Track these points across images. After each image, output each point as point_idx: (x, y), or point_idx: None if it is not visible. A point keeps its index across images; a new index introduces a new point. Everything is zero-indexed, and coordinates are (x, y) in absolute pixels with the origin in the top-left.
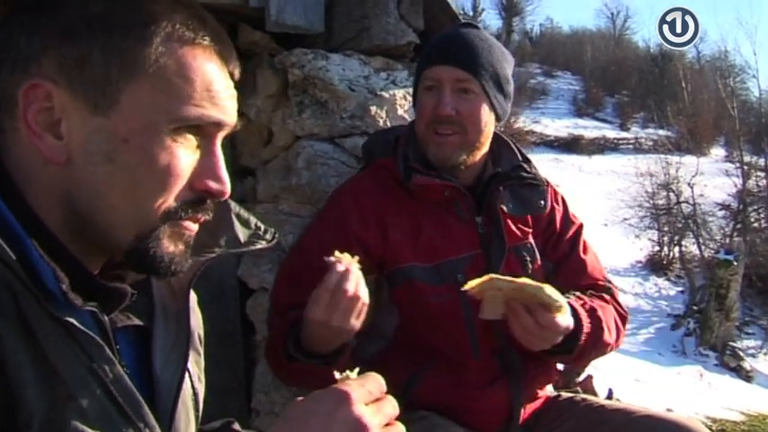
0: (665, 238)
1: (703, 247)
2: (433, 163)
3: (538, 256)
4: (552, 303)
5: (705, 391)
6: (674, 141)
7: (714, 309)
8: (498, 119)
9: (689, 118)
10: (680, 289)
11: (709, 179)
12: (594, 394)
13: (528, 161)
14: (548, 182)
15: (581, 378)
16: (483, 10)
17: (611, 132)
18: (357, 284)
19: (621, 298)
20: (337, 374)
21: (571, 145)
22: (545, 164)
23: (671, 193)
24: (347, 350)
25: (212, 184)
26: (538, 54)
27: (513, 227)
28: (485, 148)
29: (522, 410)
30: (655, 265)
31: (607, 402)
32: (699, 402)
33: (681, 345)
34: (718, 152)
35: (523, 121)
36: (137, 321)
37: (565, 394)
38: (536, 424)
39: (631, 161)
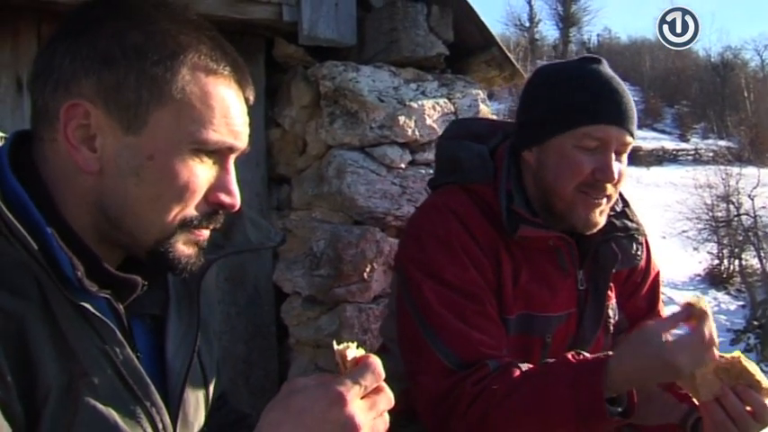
0: (725, 251)
1: (765, 261)
2: (577, 227)
3: (618, 316)
4: (765, 386)
5: None
6: (735, 152)
7: None
8: None
9: (751, 128)
10: (740, 303)
11: None
12: None
13: (628, 206)
14: (645, 233)
15: None
16: (540, 21)
17: (670, 143)
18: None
19: None
20: (336, 345)
21: (629, 156)
22: None
23: (731, 205)
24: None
25: (225, 199)
26: None
27: (613, 291)
28: None
29: None
30: (714, 279)
31: None
32: None
33: None
34: None
35: None
36: (152, 311)
37: None
38: None
39: (690, 172)
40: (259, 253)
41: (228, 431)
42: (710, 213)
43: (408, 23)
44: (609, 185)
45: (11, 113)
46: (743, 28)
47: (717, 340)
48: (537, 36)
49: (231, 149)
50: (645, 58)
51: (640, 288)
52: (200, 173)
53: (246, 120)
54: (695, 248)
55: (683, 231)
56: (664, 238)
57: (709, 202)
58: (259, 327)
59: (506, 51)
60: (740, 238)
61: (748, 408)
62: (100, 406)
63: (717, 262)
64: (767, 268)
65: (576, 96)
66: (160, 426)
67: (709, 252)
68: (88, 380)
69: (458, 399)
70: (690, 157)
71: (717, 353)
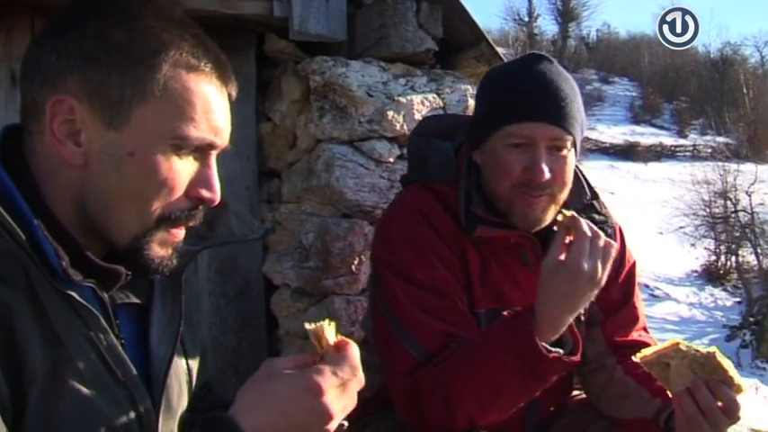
0: (722, 248)
1: (761, 257)
2: (518, 225)
3: (590, 309)
4: (737, 383)
5: (760, 405)
6: (733, 148)
7: None
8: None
9: (749, 125)
10: (737, 299)
11: None
12: None
13: (597, 197)
14: (616, 224)
15: None
16: (538, 15)
17: (669, 139)
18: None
19: (676, 308)
20: (308, 325)
21: (627, 152)
22: (600, 171)
23: (728, 202)
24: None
25: (205, 194)
26: (594, 60)
27: None
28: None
29: (539, 410)
30: (710, 275)
31: None
32: (754, 416)
33: (736, 357)
34: None
35: None
36: (136, 300)
37: (575, 392)
38: (551, 418)
39: (688, 168)
40: (249, 245)
41: None
42: (708, 209)
43: (398, 19)
44: (548, 182)
45: (4, 107)
46: (742, 24)
47: (600, 233)
48: (536, 31)
49: (212, 146)
50: (644, 54)
51: (614, 279)
52: (181, 169)
53: (228, 117)
54: (692, 245)
55: (681, 227)
56: (661, 233)
57: (706, 198)
58: (249, 318)
59: (495, 47)
60: (737, 235)
61: (720, 403)
62: (84, 389)
63: (714, 258)
64: (764, 265)
65: (504, 96)
66: (142, 409)
67: (706, 248)
68: (73, 365)
69: (424, 385)
70: (688, 154)
71: (689, 345)
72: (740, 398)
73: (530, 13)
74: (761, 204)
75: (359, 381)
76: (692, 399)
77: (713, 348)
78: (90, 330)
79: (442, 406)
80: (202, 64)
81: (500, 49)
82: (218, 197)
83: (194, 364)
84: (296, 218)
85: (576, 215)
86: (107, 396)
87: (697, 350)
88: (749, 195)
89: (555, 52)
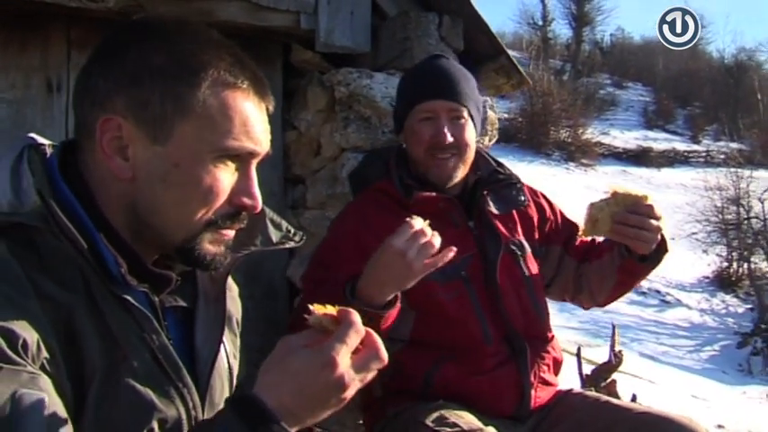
0: (734, 254)
1: None
2: (433, 182)
3: (528, 250)
4: (642, 195)
5: None
6: (747, 155)
7: None
8: (477, 133)
9: (763, 131)
10: (748, 306)
11: None
12: (617, 398)
13: (501, 165)
14: (521, 180)
15: (606, 382)
16: (553, 20)
17: (682, 145)
18: (433, 235)
19: (687, 314)
20: (313, 307)
21: (640, 157)
22: (613, 176)
23: (741, 208)
24: (397, 303)
25: (247, 201)
26: (608, 64)
27: (502, 226)
28: (471, 162)
29: (533, 393)
30: (722, 282)
31: (613, 400)
32: (762, 423)
33: (747, 364)
34: None
35: (591, 133)
36: (183, 303)
37: (576, 390)
38: (548, 414)
39: (701, 174)
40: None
41: None
42: (720, 216)
43: (421, 32)
44: (451, 144)
45: (41, 114)
46: (757, 30)
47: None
48: (550, 35)
49: (252, 154)
50: (658, 59)
51: (557, 220)
52: (223, 178)
53: (267, 127)
54: (704, 251)
55: (693, 233)
56: (673, 239)
57: (719, 204)
58: (273, 320)
59: (514, 60)
60: (749, 242)
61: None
62: (138, 386)
63: (726, 265)
64: None
65: (412, 83)
66: (191, 404)
67: (718, 255)
68: (128, 363)
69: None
70: (701, 159)
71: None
72: (750, 405)
73: (544, 18)
74: None
75: (380, 359)
76: (626, 226)
77: (612, 187)
78: (144, 332)
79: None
80: (239, 81)
81: (514, 53)
82: (259, 204)
83: (235, 363)
84: (320, 223)
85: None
86: (159, 392)
87: (605, 199)
88: (762, 202)
89: (569, 56)
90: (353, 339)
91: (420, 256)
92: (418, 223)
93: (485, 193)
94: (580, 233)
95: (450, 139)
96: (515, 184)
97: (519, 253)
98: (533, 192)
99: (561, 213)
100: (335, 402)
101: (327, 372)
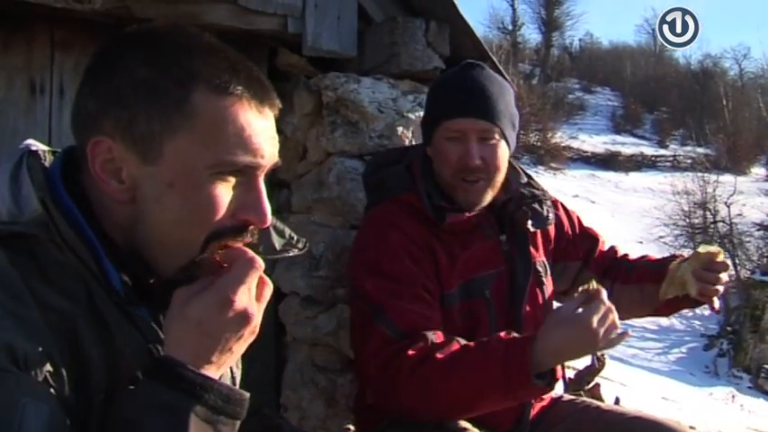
0: None
1: (739, 268)
2: (462, 207)
3: (549, 270)
4: (715, 251)
5: (737, 412)
6: (713, 159)
7: (749, 330)
8: (510, 150)
9: (728, 136)
10: None
11: (749, 198)
12: (601, 401)
13: (531, 178)
14: (552, 197)
15: (590, 385)
16: (522, 24)
17: (649, 149)
18: (610, 309)
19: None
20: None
21: (608, 161)
22: (581, 180)
23: (707, 212)
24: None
25: (252, 217)
26: (577, 69)
27: (531, 245)
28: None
29: (533, 411)
30: None
31: (603, 405)
32: (729, 424)
33: (713, 366)
34: (759, 171)
35: (560, 137)
36: None
37: (567, 396)
38: (540, 422)
39: (668, 179)
40: (259, 252)
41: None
42: (687, 220)
43: (408, 38)
44: (479, 168)
45: (24, 116)
46: (723, 37)
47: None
48: (519, 40)
49: (253, 167)
50: (626, 64)
51: (576, 235)
52: (222, 194)
53: (271, 135)
54: (672, 254)
55: (660, 237)
56: (641, 243)
57: (686, 208)
58: (260, 324)
59: (499, 65)
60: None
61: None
62: None
63: None
64: (741, 275)
65: (441, 97)
66: None
67: None
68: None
69: (400, 365)
70: (668, 164)
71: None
72: (716, 406)
73: (514, 22)
74: (739, 215)
75: (270, 287)
76: (706, 285)
77: (700, 249)
78: (148, 342)
79: (417, 389)
80: (231, 87)
81: None
82: (268, 220)
83: (237, 371)
84: (306, 228)
85: (601, 288)
86: None
87: (686, 259)
88: (728, 206)
89: (538, 61)
90: (252, 276)
91: (607, 333)
92: (605, 294)
93: (524, 207)
94: (660, 295)
95: (478, 162)
96: (546, 201)
97: (542, 274)
98: (557, 206)
99: (580, 224)
100: (248, 335)
101: (227, 310)
